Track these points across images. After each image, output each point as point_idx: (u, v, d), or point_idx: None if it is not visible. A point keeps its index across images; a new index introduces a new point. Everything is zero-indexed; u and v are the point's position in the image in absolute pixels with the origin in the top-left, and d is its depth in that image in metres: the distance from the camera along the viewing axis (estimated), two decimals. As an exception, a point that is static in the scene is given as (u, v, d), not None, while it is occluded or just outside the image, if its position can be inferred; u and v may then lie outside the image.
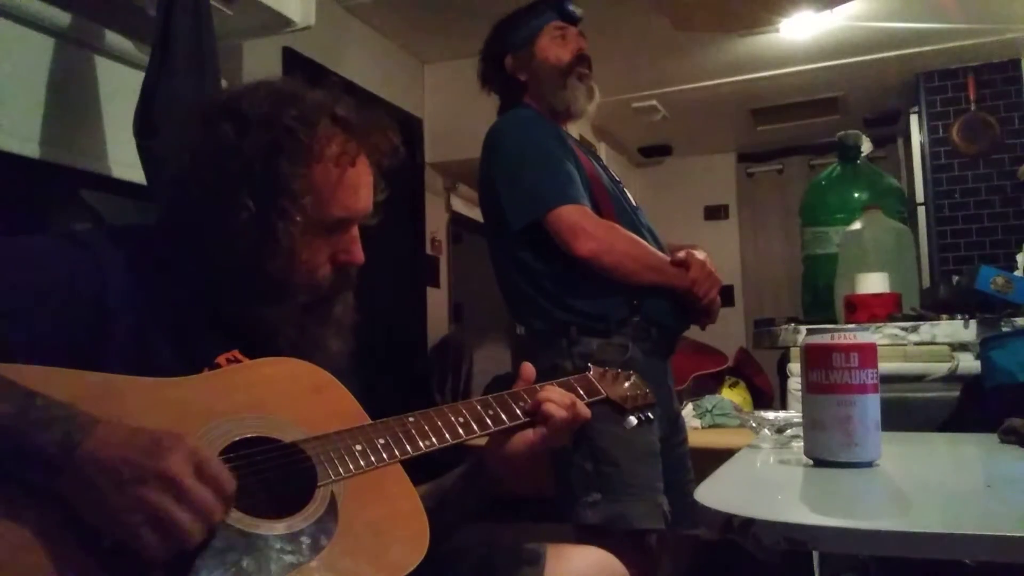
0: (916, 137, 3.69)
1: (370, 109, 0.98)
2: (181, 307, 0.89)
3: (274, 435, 0.80)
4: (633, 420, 1.15)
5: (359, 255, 0.97)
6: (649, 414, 1.18)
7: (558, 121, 1.75)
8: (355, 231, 0.97)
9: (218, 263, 0.90)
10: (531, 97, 1.76)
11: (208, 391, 0.82)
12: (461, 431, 0.93)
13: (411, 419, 0.91)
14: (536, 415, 0.99)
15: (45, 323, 0.79)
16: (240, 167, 0.88)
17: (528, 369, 1.05)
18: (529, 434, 0.99)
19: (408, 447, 0.88)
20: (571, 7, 1.78)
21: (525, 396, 1.01)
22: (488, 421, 0.96)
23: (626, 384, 1.18)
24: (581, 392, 1.08)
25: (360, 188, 0.95)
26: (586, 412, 1.02)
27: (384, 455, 0.85)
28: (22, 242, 0.87)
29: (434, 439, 0.90)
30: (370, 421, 0.89)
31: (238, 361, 0.90)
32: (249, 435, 0.78)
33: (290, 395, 0.87)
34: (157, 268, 0.89)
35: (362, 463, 0.83)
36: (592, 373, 1.15)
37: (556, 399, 0.99)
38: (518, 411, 0.99)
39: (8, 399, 0.67)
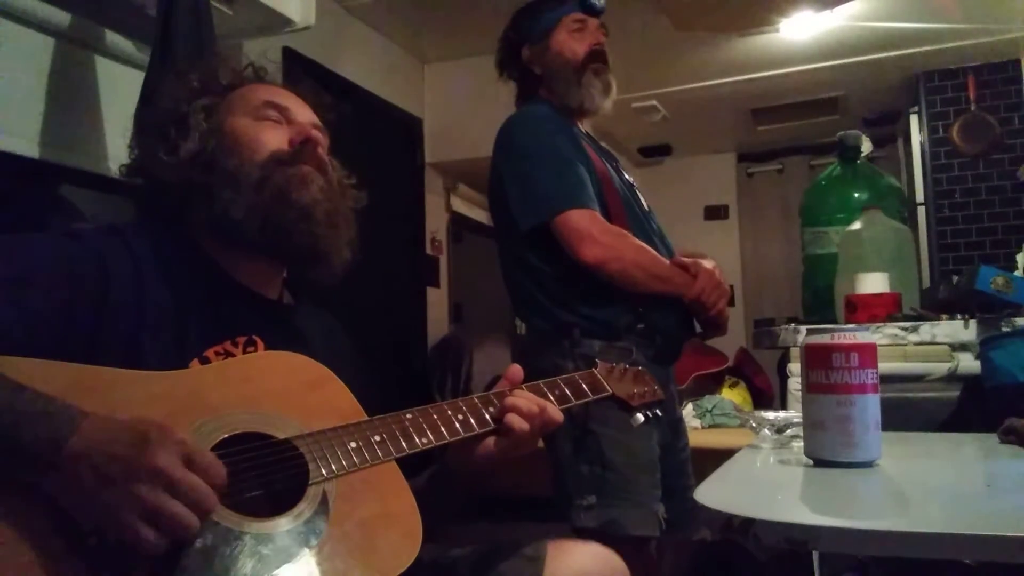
0: (916, 137, 3.69)
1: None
2: (212, 281, 0.95)
3: (267, 431, 0.79)
4: (640, 417, 1.11)
5: (306, 130, 1.00)
6: (657, 411, 1.15)
7: (573, 117, 1.71)
8: (297, 117, 1.02)
9: (195, 200, 0.97)
10: (546, 91, 1.71)
11: (201, 385, 0.80)
12: (460, 428, 0.91)
13: (408, 416, 0.88)
14: (499, 424, 0.94)
15: (88, 313, 0.81)
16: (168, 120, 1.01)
17: (515, 370, 1.00)
18: (490, 443, 0.94)
19: (404, 444, 0.85)
20: None
21: (495, 401, 0.96)
22: (488, 418, 0.94)
23: (633, 380, 1.14)
24: (571, 393, 1.04)
25: (278, 89, 1.05)
26: (557, 417, 0.97)
27: (379, 452, 0.83)
28: (54, 239, 0.89)
29: (431, 436, 0.88)
30: (367, 417, 0.87)
31: (230, 355, 0.90)
32: (241, 431, 0.77)
33: (286, 390, 0.85)
34: (177, 250, 0.95)
35: (355, 460, 0.81)
36: (599, 369, 1.11)
37: (522, 408, 0.94)
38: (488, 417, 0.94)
39: None
